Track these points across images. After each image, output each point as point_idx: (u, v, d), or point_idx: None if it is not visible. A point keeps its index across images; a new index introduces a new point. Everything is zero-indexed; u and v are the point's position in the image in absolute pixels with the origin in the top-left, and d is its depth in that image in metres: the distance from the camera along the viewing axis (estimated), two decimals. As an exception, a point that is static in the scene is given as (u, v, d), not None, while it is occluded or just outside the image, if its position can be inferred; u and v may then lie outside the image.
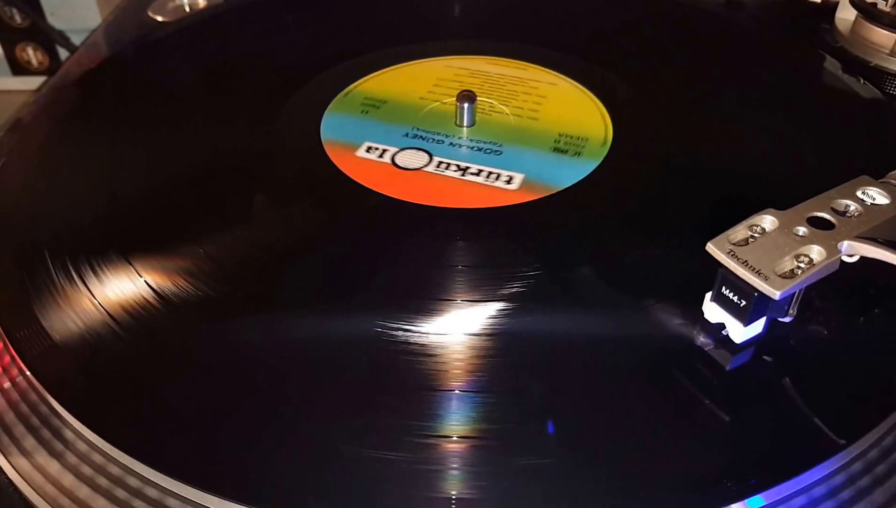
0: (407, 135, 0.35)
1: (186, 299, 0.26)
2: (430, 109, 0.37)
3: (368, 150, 0.34)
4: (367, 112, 0.37)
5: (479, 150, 0.34)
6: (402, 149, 0.34)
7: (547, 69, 0.40)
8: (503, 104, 0.37)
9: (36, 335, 0.26)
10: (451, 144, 0.35)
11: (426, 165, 0.33)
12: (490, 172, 0.33)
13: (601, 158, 0.33)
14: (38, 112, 0.38)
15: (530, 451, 0.22)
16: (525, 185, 0.32)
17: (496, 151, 0.34)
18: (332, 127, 0.35)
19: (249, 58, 0.42)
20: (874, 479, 0.23)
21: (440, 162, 0.33)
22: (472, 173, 0.33)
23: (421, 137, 0.35)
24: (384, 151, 0.34)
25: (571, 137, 0.35)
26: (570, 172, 0.32)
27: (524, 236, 0.30)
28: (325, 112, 0.36)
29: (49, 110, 0.38)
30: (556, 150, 0.34)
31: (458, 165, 0.33)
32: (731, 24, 0.45)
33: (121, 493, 0.23)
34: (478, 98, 0.36)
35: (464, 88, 0.36)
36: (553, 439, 0.22)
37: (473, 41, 0.42)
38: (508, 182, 0.32)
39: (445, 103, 0.37)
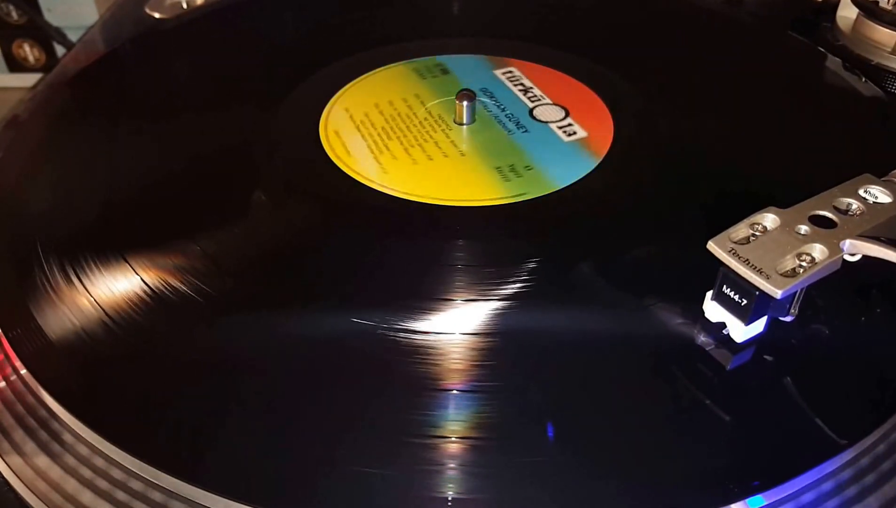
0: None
1: (183, 297, 0.26)
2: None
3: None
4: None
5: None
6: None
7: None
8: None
9: (31, 333, 0.25)
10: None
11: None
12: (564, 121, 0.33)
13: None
14: (35, 109, 0.38)
15: (530, 451, 0.22)
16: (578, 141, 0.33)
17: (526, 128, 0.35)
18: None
19: (247, 54, 0.42)
20: (876, 479, 0.23)
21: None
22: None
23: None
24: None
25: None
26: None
27: (523, 235, 0.29)
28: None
29: (45, 107, 0.38)
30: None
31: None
32: (731, 22, 0.44)
33: (121, 495, 0.23)
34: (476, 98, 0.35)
35: (466, 88, 0.36)
36: (553, 439, 0.22)
37: (475, 39, 0.42)
38: (571, 135, 0.33)
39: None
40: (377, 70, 0.39)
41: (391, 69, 0.39)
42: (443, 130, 0.35)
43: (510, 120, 0.35)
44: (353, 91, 0.38)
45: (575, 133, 0.34)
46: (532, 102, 0.37)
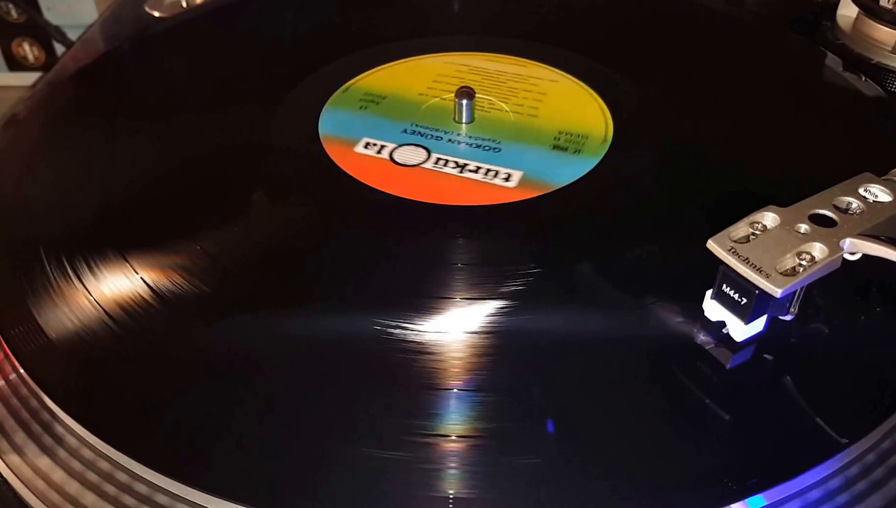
0: (406, 131, 0.35)
1: (183, 297, 0.26)
2: (429, 105, 0.37)
3: (367, 145, 0.34)
4: (366, 108, 0.36)
5: (478, 147, 0.34)
6: (401, 145, 0.34)
7: (547, 66, 0.39)
8: (503, 101, 0.37)
9: (31, 333, 0.25)
10: (450, 140, 0.34)
11: (424, 162, 0.33)
12: (488, 170, 0.32)
13: (601, 156, 0.33)
14: (34, 108, 0.38)
15: (529, 450, 0.22)
16: (523, 182, 0.32)
17: (495, 148, 0.34)
18: (331, 122, 0.35)
19: (247, 54, 0.41)
20: (877, 478, 0.23)
21: (438, 158, 0.33)
22: (470, 170, 0.32)
23: (420, 133, 0.35)
24: (382, 147, 0.34)
25: (571, 135, 0.34)
26: (569, 170, 0.32)
27: (522, 234, 0.29)
28: (324, 107, 0.36)
29: (45, 106, 0.38)
30: (556, 147, 0.34)
31: (456, 162, 0.33)
32: (732, 20, 0.44)
33: (120, 494, 0.23)
34: (477, 95, 0.35)
35: (463, 85, 0.36)
36: (552, 438, 0.22)
37: (474, 37, 0.42)
38: (507, 179, 0.32)
39: (445, 99, 0.37)
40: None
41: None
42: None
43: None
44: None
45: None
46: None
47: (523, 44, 0.41)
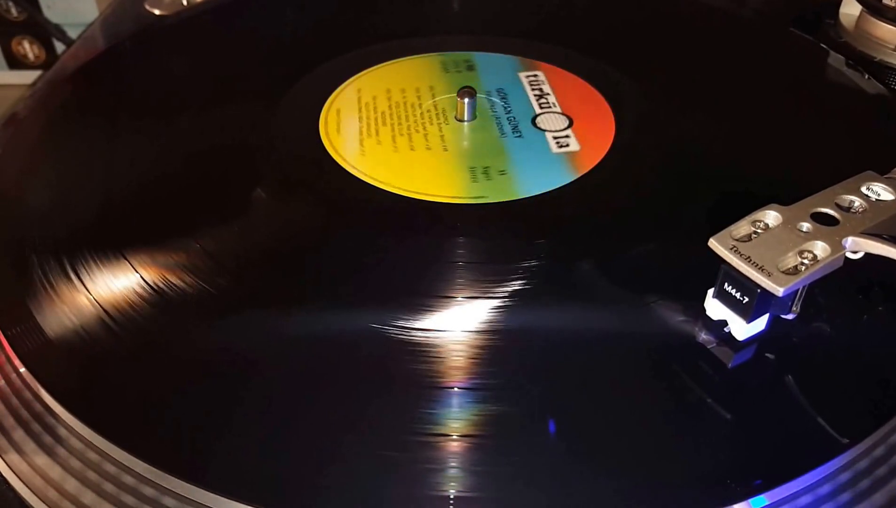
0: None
1: (183, 296, 0.26)
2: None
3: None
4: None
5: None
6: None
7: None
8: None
9: (30, 332, 0.25)
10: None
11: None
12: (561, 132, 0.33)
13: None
14: (34, 106, 0.38)
15: (531, 450, 0.22)
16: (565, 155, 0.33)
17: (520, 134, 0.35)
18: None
19: (247, 52, 0.41)
20: (878, 478, 0.23)
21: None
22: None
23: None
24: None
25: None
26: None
27: (527, 231, 0.29)
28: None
29: (45, 104, 0.38)
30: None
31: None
32: (733, 18, 0.44)
33: (120, 493, 0.23)
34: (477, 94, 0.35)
35: (466, 85, 0.36)
36: (554, 437, 0.22)
37: (510, 39, 0.41)
38: (563, 147, 0.33)
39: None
40: (407, 58, 0.39)
41: (420, 59, 0.40)
42: (439, 124, 0.35)
43: (509, 123, 0.35)
44: (376, 74, 0.38)
45: (567, 146, 0.34)
46: (542, 108, 0.36)
47: (556, 50, 0.40)
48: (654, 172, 0.32)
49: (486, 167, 0.32)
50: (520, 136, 0.34)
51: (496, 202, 0.30)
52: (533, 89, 0.37)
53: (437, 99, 0.36)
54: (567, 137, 0.34)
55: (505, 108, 0.36)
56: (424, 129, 0.35)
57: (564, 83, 0.38)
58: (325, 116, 0.35)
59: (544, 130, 0.35)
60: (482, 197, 0.31)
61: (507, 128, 0.35)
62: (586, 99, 0.37)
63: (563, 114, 0.36)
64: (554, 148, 0.34)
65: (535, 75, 0.38)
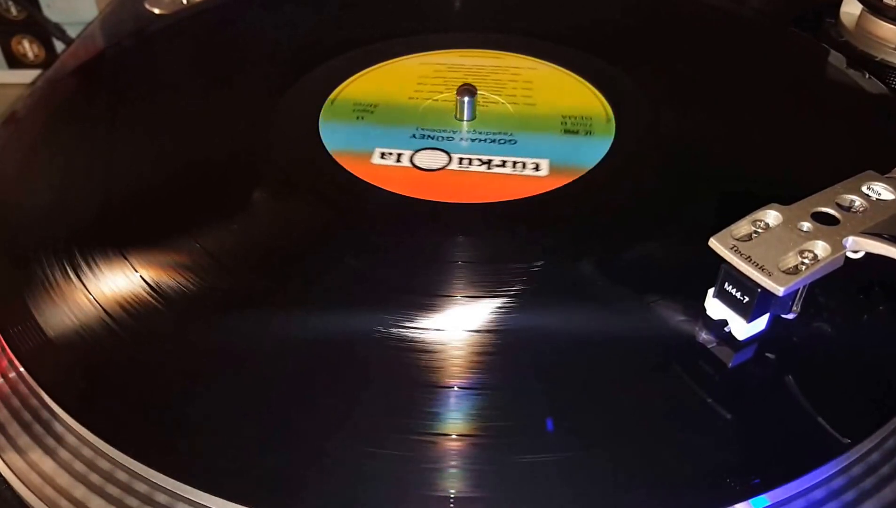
0: (414, 136, 0.34)
1: (182, 295, 0.26)
2: (425, 107, 0.36)
3: (383, 155, 0.33)
4: (361, 117, 0.35)
5: (493, 141, 0.34)
6: (418, 150, 0.33)
7: (523, 55, 0.39)
8: (496, 94, 0.37)
9: (30, 331, 0.25)
10: (462, 139, 0.34)
11: (448, 164, 0.32)
12: (515, 162, 0.32)
13: (613, 134, 0.33)
14: (34, 105, 0.38)
15: (531, 449, 0.22)
16: (554, 169, 0.32)
17: (510, 140, 0.34)
18: (334, 136, 0.34)
19: (247, 51, 0.41)
20: (883, 475, 0.22)
21: (461, 158, 0.33)
22: (497, 166, 0.32)
23: (429, 136, 0.34)
24: (399, 154, 0.33)
25: (576, 117, 0.35)
26: (591, 151, 0.32)
27: (527, 231, 0.29)
28: (320, 122, 0.35)
29: (44, 103, 0.38)
30: (567, 131, 0.34)
31: (480, 160, 0.32)
32: (734, 17, 0.44)
33: (118, 492, 0.23)
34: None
35: (465, 82, 0.35)
36: (554, 437, 0.22)
37: (446, 35, 0.41)
38: (536, 169, 0.32)
39: (437, 100, 0.36)
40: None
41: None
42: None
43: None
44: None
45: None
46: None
47: (495, 36, 0.41)
48: (653, 172, 0.32)
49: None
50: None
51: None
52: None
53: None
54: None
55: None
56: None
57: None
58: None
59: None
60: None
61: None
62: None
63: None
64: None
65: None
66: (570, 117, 0.35)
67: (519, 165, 0.32)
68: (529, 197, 0.30)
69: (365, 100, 0.37)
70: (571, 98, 0.36)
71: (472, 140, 0.34)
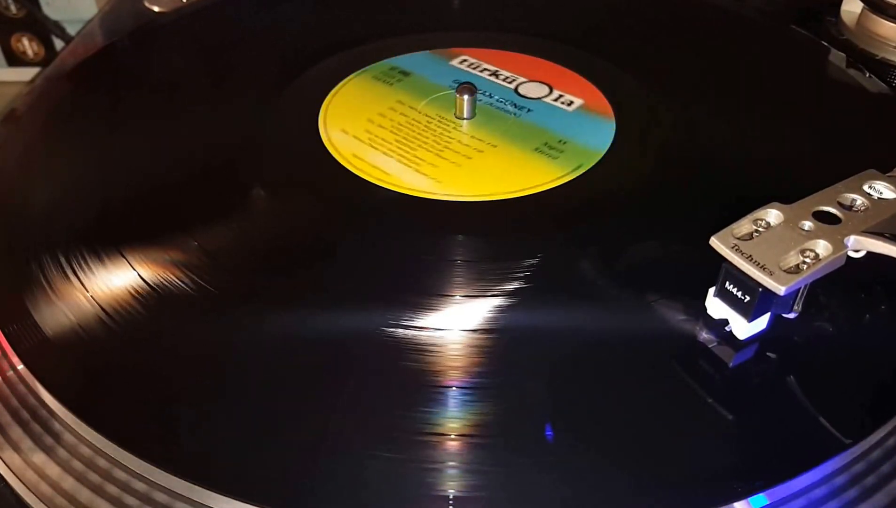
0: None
1: (180, 293, 0.26)
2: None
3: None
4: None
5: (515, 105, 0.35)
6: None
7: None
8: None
9: (28, 329, 0.25)
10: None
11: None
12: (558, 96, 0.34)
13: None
14: (33, 103, 0.38)
15: (530, 449, 0.22)
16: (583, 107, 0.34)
17: (528, 108, 0.35)
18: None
19: (246, 49, 0.41)
20: (883, 474, 0.22)
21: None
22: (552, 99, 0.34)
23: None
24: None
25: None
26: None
27: (527, 230, 0.29)
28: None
29: (43, 101, 0.38)
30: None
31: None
32: (734, 16, 0.44)
33: (116, 491, 0.23)
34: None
35: (463, 81, 0.35)
36: (553, 437, 0.22)
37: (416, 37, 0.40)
38: (570, 104, 0.34)
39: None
40: (340, 84, 0.37)
41: (351, 82, 0.37)
42: (454, 128, 0.34)
43: (505, 104, 0.35)
44: (334, 108, 0.35)
45: (572, 103, 0.34)
46: (509, 83, 0.36)
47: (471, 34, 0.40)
48: (654, 171, 0.32)
49: (545, 143, 0.32)
50: (529, 110, 0.35)
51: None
52: (481, 72, 0.37)
53: (420, 108, 0.35)
54: (563, 95, 0.35)
55: (483, 93, 0.36)
56: (451, 137, 0.33)
57: (499, 59, 0.38)
58: (325, 114, 0.35)
59: (539, 98, 0.35)
60: (580, 167, 0.31)
61: (510, 108, 0.35)
62: (534, 66, 0.37)
63: (535, 81, 0.36)
64: (566, 108, 0.34)
65: (465, 59, 0.38)
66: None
67: (559, 98, 0.33)
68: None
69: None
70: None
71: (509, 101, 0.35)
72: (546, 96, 0.35)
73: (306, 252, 0.28)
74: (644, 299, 0.26)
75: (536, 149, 0.32)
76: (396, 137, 0.34)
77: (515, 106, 0.35)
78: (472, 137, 0.34)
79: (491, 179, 0.31)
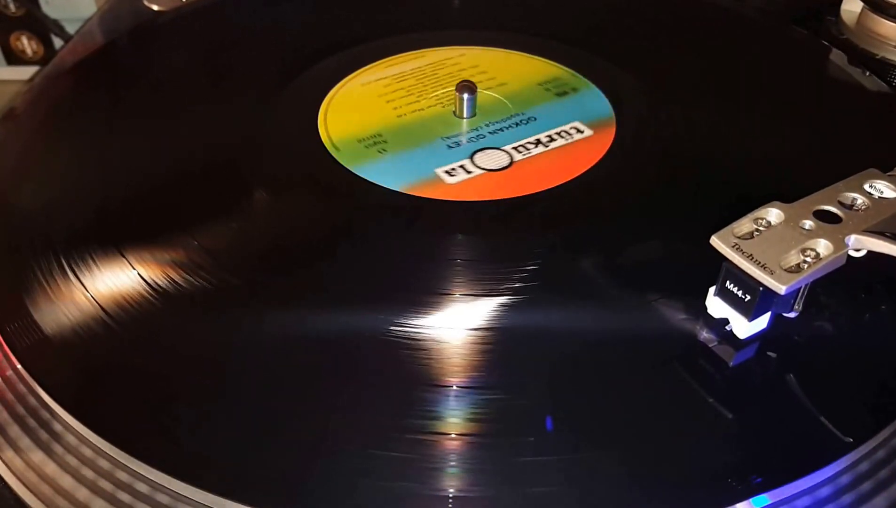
0: (450, 147, 0.33)
1: (180, 293, 0.26)
2: (424, 117, 0.35)
3: (450, 172, 0.31)
4: (383, 151, 0.33)
5: (518, 124, 0.34)
6: (473, 154, 0.32)
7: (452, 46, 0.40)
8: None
9: (27, 328, 0.25)
10: (492, 132, 0.34)
11: (514, 157, 0.32)
12: (560, 132, 0.33)
13: (593, 86, 0.36)
14: (32, 102, 0.38)
15: (530, 449, 0.22)
16: (591, 126, 0.34)
17: (530, 118, 0.35)
18: (382, 176, 0.31)
19: (245, 48, 0.41)
20: (883, 478, 0.22)
21: (515, 147, 0.33)
22: (550, 141, 0.33)
23: (458, 143, 0.33)
24: (461, 166, 0.32)
25: (551, 81, 0.37)
26: (594, 103, 0.35)
27: (527, 230, 0.29)
28: (354, 169, 0.32)
29: (43, 100, 0.38)
30: (557, 95, 0.35)
31: (535, 141, 0.33)
32: (734, 15, 0.44)
33: (116, 491, 0.23)
34: (432, 92, 0.36)
35: (463, 80, 0.35)
36: (554, 436, 0.22)
37: (369, 47, 0.40)
38: (581, 132, 0.33)
39: (424, 109, 0.35)
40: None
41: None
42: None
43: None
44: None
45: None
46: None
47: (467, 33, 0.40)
48: (654, 170, 0.32)
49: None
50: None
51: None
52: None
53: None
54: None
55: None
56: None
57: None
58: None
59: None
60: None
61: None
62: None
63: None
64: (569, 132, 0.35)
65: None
66: (546, 82, 0.36)
67: (566, 134, 0.33)
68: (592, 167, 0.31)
69: (363, 133, 0.34)
70: (527, 69, 0.38)
71: (503, 130, 0.34)
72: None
73: (306, 252, 0.28)
74: (644, 298, 0.26)
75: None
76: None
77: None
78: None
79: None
